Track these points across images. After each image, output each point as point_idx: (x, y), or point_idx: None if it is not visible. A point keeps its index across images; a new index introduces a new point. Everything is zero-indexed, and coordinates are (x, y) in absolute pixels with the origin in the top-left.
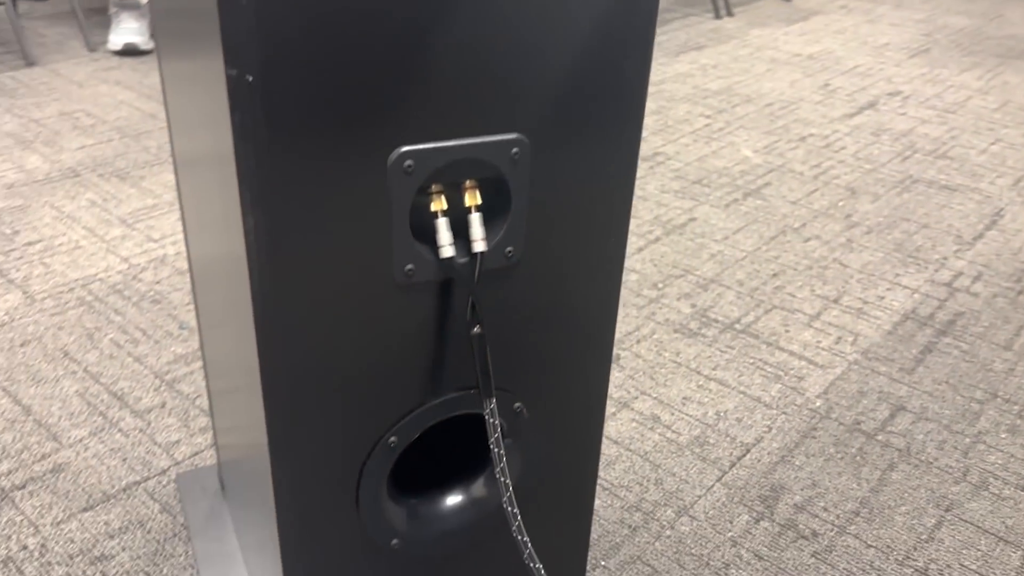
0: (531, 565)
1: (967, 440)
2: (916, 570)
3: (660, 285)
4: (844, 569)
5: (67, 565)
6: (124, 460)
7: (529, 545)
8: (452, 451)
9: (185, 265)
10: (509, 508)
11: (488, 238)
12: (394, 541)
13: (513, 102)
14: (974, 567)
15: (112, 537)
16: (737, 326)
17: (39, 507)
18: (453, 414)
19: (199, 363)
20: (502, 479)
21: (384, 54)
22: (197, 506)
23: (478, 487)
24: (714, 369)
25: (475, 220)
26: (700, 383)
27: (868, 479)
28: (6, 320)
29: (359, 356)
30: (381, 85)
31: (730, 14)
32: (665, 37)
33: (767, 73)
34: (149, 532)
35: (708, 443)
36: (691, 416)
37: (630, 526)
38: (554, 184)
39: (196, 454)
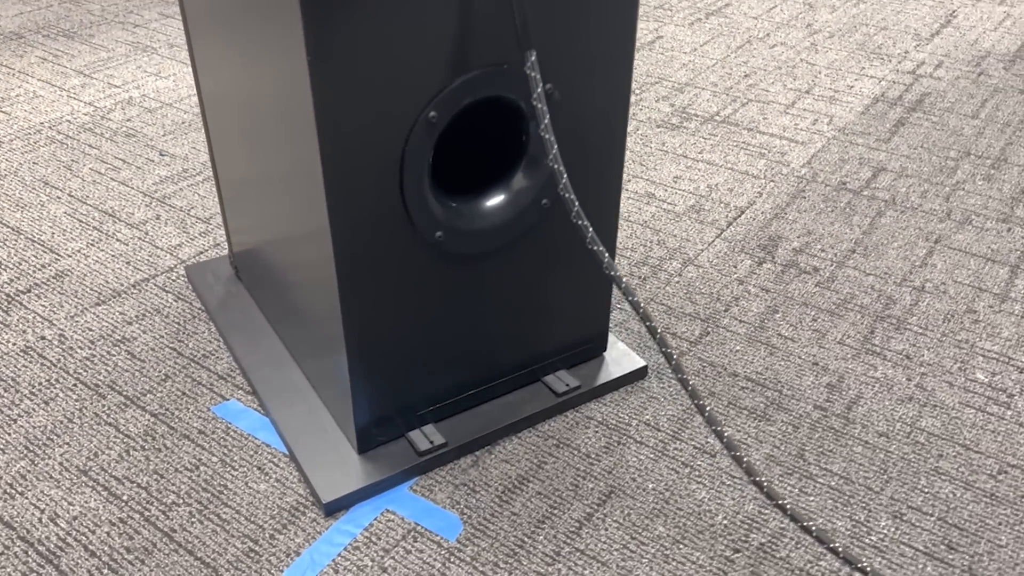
0: (578, 223)
1: (947, 189)
2: (914, 288)
3: (637, 91)
4: (848, 293)
5: (90, 348)
6: (128, 263)
7: (576, 204)
8: (491, 159)
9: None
10: (546, 136)
11: None
12: (438, 234)
13: None
14: (967, 282)
15: (130, 323)
16: (717, 118)
17: (49, 306)
18: (488, 94)
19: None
20: (543, 120)
21: None
22: (212, 290)
23: (517, 180)
24: (700, 153)
25: None
26: (688, 164)
27: (860, 225)
28: None
29: (396, 32)
30: None
31: None
32: None
33: None
34: (167, 317)
35: (704, 209)
36: (684, 191)
37: (640, 277)
38: None
39: (200, 253)
